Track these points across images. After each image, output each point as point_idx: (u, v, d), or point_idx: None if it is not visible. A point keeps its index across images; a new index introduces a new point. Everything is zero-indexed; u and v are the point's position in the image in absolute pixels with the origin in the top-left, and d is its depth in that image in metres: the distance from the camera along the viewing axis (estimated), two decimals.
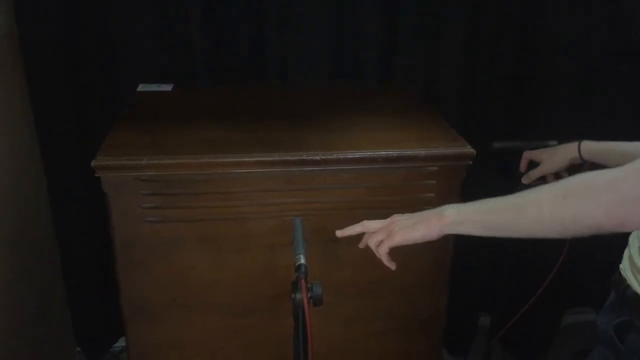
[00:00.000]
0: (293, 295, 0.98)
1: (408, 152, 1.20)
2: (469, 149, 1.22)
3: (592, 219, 0.71)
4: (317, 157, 1.18)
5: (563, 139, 1.43)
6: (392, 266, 0.97)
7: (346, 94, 1.59)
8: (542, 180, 1.35)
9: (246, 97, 1.56)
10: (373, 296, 1.33)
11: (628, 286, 0.93)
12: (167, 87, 1.60)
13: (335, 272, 1.28)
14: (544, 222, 0.76)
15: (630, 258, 0.95)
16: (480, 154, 1.24)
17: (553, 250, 1.33)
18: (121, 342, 2.00)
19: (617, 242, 0.95)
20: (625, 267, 0.96)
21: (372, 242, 0.97)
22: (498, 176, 1.44)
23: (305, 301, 0.91)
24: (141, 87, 1.60)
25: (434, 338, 1.42)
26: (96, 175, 1.13)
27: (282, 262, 1.26)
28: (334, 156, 1.19)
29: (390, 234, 0.93)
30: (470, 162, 1.22)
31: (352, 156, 1.19)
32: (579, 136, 1.29)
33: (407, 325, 1.37)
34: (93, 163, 1.12)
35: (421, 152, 1.21)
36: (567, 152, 1.28)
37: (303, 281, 0.92)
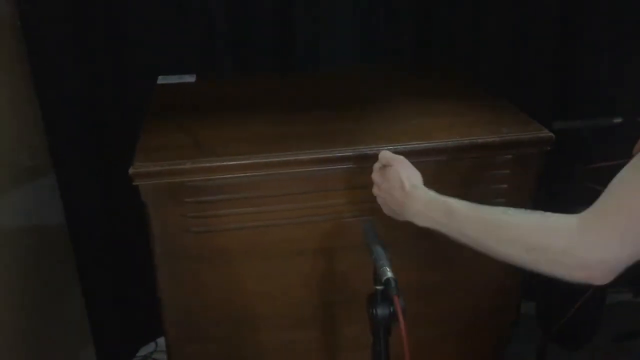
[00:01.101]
0: (372, 310, 0.86)
1: (480, 140, 1.08)
2: (547, 133, 1.09)
3: (557, 275, 0.72)
4: (378, 151, 1.05)
5: (628, 114, 1.32)
6: None
7: (391, 77, 1.45)
8: None
9: (280, 86, 1.41)
10: (439, 298, 1.21)
11: None
12: (190, 78, 1.45)
13: (399, 274, 1.16)
14: (514, 260, 0.77)
15: None
16: None
17: None
18: (142, 351, 1.88)
19: None
20: None
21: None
22: (565, 160, 1.31)
23: (401, 318, 0.79)
24: (161, 79, 1.45)
25: (503, 337, 1.31)
26: (134, 183, 1.00)
27: (339, 267, 1.14)
28: (399, 148, 1.06)
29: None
30: (549, 148, 1.10)
31: (418, 147, 1.06)
32: None
33: (475, 325, 1.25)
34: (131, 171, 0.98)
35: (494, 138, 1.08)
36: None
37: (396, 298, 0.80)
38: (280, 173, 1.04)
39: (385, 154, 0.96)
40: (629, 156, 1.35)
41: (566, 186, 1.49)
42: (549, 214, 0.75)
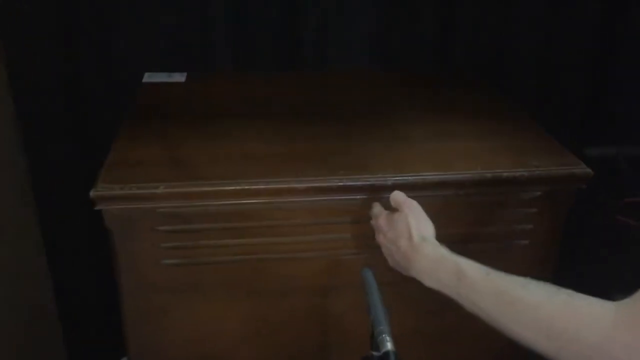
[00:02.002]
0: None
1: (506, 174, 0.92)
2: (584, 168, 0.94)
3: None
4: (387, 182, 0.90)
5: None
6: None
7: (406, 85, 1.28)
8: None
9: (280, 90, 1.26)
10: (445, 344, 1.06)
11: None
12: (180, 77, 1.30)
13: (401, 320, 1.01)
14: (531, 345, 0.65)
15: None
16: None
17: None
18: None
19: None
20: None
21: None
22: (596, 192, 1.15)
23: None
24: (147, 77, 1.29)
25: None
26: (96, 208, 0.85)
27: (334, 308, 0.99)
28: (410, 179, 0.90)
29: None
30: (584, 186, 0.94)
31: (433, 179, 0.91)
32: None
33: None
34: (92, 193, 0.84)
35: (523, 172, 0.92)
36: None
37: None
38: (271, 202, 0.89)
39: (398, 197, 0.83)
40: None
41: (596, 221, 1.34)
42: (578, 295, 0.62)
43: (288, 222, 0.92)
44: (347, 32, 1.40)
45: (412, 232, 0.78)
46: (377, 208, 0.87)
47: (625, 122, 1.39)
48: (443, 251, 0.76)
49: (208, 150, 0.96)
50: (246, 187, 0.87)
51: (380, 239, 0.84)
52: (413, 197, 0.91)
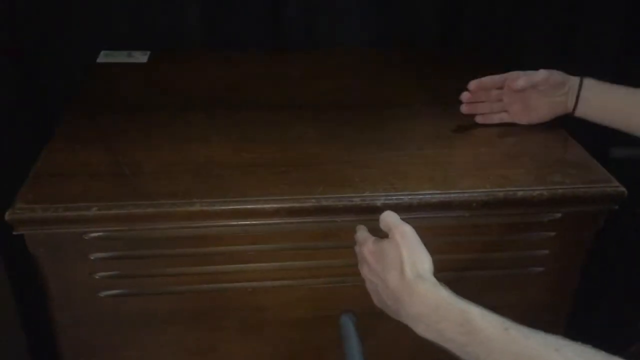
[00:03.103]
0: None
1: (520, 193, 0.75)
2: (617, 187, 0.77)
3: None
4: (377, 202, 0.73)
5: None
6: None
7: (408, 70, 1.09)
8: None
9: (259, 74, 1.07)
10: None
11: None
12: (142, 57, 1.11)
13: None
14: None
15: None
16: None
17: None
18: None
19: None
20: None
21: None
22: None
23: None
24: (103, 57, 1.11)
25: None
26: (15, 233, 0.69)
27: (309, 345, 0.85)
28: (402, 200, 0.74)
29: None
30: (617, 207, 0.78)
31: (433, 198, 0.74)
32: None
33: None
34: (7, 216, 0.67)
35: (541, 191, 0.75)
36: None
37: None
38: (233, 226, 0.73)
39: (389, 219, 0.65)
40: None
41: (624, 234, 1.18)
42: None
43: (254, 248, 0.75)
44: (339, 5, 1.21)
45: (404, 266, 0.60)
46: (362, 232, 0.69)
47: None
48: (444, 293, 0.58)
49: (157, 157, 0.79)
50: (201, 209, 0.70)
51: (364, 271, 0.66)
52: (409, 219, 0.75)
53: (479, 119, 0.90)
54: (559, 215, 0.78)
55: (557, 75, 0.85)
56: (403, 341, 0.84)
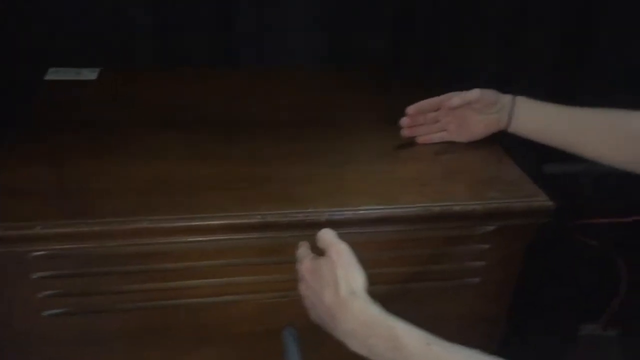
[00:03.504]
0: None
1: (457, 207, 0.79)
2: (547, 202, 0.82)
3: None
4: (321, 217, 0.76)
5: None
6: None
7: (353, 88, 1.13)
8: None
9: (207, 92, 1.08)
10: None
11: None
12: (91, 74, 1.12)
13: None
14: None
15: None
16: None
17: None
18: None
19: None
20: None
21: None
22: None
23: None
24: (51, 74, 1.11)
25: None
26: None
27: (258, 357, 0.86)
28: (345, 215, 0.77)
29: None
30: (547, 220, 0.83)
31: (373, 214, 0.77)
32: None
33: None
34: None
35: (475, 206, 0.80)
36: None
37: None
38: (178, 243, 0.74)
39: (325, 237, 0.67)
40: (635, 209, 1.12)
41: (555, 241, 1.24)
42: None
43: (200, 265, 0.77)
44: (287, 22, 1.23)
45: (338, 284, 0.62)
46: (302, 250, 0.71)
47: None
48: (375, 310, 0.61)
49: (105, 174, 0.80)
50: (148, 226, 0.71)
51: (302, 288, 0.68)
52: (351, 234, 0.78)
53: (419, 140, 0.94)
54: (492, 228, 0.82)
55: (489, 93, 0.89)
56: (345, 356, 0.86)
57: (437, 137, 0.94)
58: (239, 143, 0.90)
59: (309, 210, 0.76)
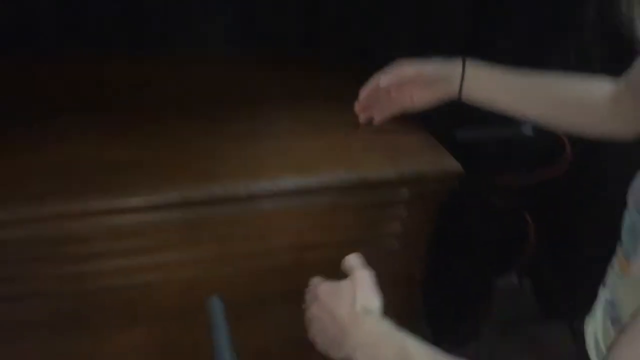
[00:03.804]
0: None
1: (372, 175, 0.82)
2: (456, 167, 0.86)
3: None
4: (240, 191, 0.77)
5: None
6: None
7: (267, 70, 1.12)
8: None
9: (115, 77, 1.04)
10: None
11: None
12: None
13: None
14: None
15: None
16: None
17: None
18: None
19: None
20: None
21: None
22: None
23: None
24: None
25: None
26: None
27: (186, 331, 0.87)
28: (265, 189, 0.78)
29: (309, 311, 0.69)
30: (456, 183, 0.88)
31: (291, 186, 0.79)
32: None
33: None
34: None
35: (389, 174, 0.83)
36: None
37: None
38: (94, 224, 0.73)
39: (353, 262, 0.70)
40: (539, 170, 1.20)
41: (469, 202, 1.32)
42: None
43: (120, 246, 0.76)
44: (204, 8, 1.20)
45: (356, 302, 0.65)
46: (317, 278, 0.72)
47: None
48: (386, 327, 0.63)
49: (17, 160, 0.77)
50: (64, 208, 0.70)
51: (313, 309, 0.68)
52: (272, 207, 0.80)
53: (376, 121, 0.93)
54: (406, 194, 0.86)
55: (429, 70, 0.88)
56: (268, 325, 0.90)
57: (388, 113, 0.93)
58: (153, 124, 0.88)
59: (227, 184, 0.76)
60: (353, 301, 0.65)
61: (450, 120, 1.32)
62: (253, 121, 0.92)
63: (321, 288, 0.68)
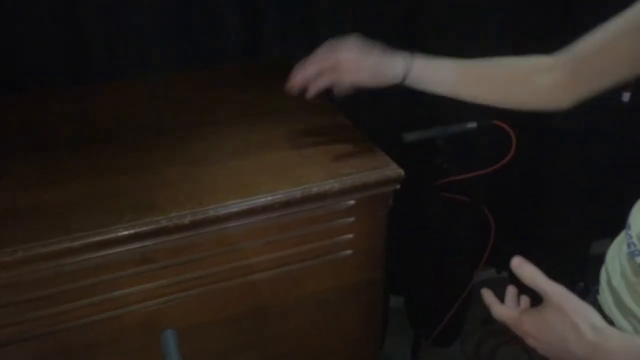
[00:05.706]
0: None
1: (315, 189, 0.84)
2: (396, 170, 0.88)
3: None
4: (184, 220, 0.78)
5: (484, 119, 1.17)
6: None
7: (208, 89, 1.14)
8: None
9: (55, 109, 1.05)
10: None
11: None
12: None
13: None
14: None
15: (615, 291, 0.72)
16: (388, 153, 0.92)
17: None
18: None
19: None
20: (606, 300, 0.73)
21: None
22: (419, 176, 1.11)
23: None
24: None
25: None
26: None
27: None
28: (209, 214, 0.79)
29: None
30: (399, 187, 0.90)
31: (235, 209, 0.80)
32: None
33: None
34: None
35: (334, 184, 0.85)
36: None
37: None
38: (44, 269, 0.73)
39: (537, 280, 0.62)
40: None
41: (426, 202, 1.34)
42: None
43: (72, 286, 0.77)
44: (140, 33, 1.22)
45: (579, 329, 0.59)
46: (501, 309, 0.69)
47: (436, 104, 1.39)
48: (629, 337, 0.60)
49: None
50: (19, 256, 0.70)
51: (530, 342, 0.64)
52: (217, 230, 0.81)
53: (308, 95, 0.88)
54: (352, 202, 0.88)
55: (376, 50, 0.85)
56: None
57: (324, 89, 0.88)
58: (96, 158, 0.89)
59: (172, 214, 0.77)
60: (576, 330, 0.59)
61: (397, 123, 1.36)
62: (201, 146, 0.93)
63: (525, 326, 0.64)
